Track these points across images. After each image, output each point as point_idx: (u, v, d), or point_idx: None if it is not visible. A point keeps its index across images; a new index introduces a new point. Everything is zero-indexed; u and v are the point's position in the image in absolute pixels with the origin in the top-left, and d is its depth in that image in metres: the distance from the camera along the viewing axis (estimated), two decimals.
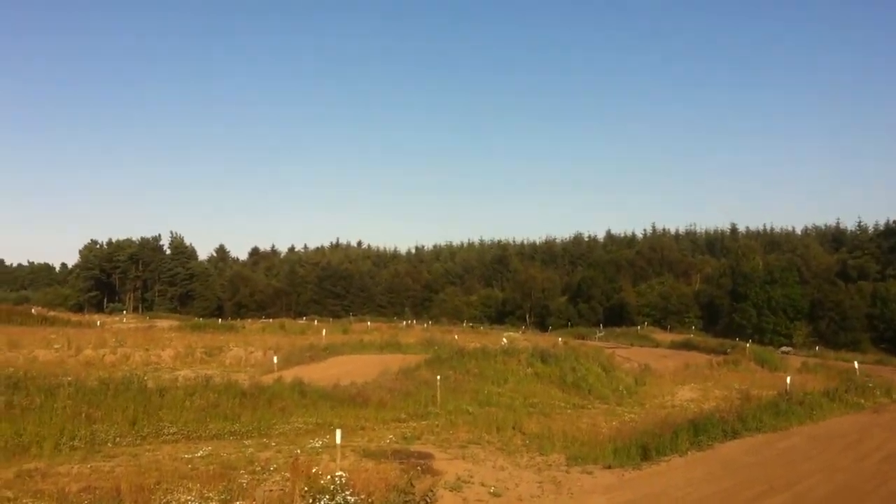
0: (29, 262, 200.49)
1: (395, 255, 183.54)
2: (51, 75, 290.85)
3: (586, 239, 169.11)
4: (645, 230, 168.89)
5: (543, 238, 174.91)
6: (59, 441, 17.31)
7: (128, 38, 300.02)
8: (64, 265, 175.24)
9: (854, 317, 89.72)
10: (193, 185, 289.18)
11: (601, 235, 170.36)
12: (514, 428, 22.12)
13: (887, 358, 64.76)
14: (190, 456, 16.42)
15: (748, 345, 61.10)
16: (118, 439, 18.17)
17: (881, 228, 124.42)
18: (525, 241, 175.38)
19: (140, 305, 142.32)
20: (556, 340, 60.82)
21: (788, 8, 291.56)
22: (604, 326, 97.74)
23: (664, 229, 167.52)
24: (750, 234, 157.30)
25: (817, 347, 75.85)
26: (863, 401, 27.41)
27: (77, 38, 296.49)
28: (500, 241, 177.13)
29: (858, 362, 42.45)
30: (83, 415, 19.39)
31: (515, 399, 28.76)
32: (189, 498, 12.46)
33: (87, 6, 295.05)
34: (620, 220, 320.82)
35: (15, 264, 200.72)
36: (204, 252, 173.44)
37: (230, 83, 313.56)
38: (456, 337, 61.69)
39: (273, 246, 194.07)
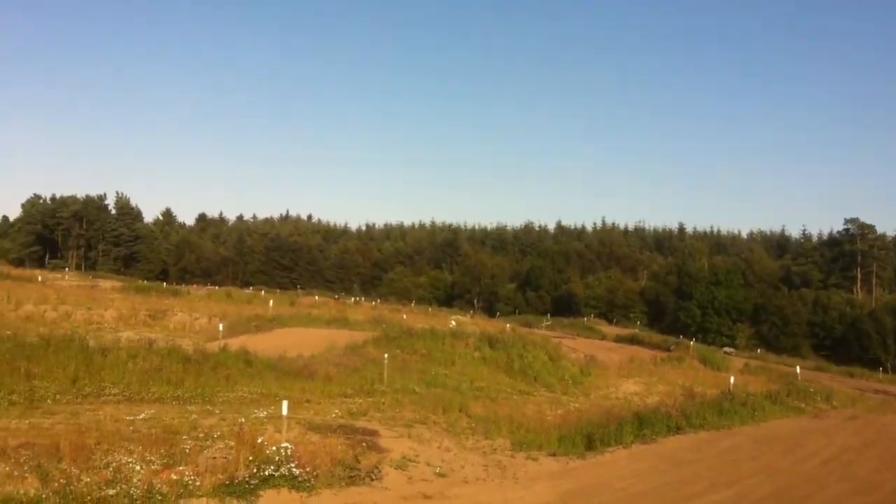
0: None
1: (344, 231, 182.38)
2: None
3: (537, 228, 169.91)
4: (595, 223, 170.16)
5: (494, 224, 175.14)
6: None
7: None
8: (5, 218, 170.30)
9: (795, 322, 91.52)
10: (143, 145, 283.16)
11: (552, 226, 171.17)
12: (460, 410, 22.06)
13: (827, 365, 66.35)
14: (132, 418, 16.10)
15: (692, 343, 61.99)
16: (58, 396, 17.78)
17: (825, 238, 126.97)
18: (476, 227, 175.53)
19: (83, 264, 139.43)
20: (503, 326, 61.04)
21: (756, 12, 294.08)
22: (551, 316, 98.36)
23: (614, 224, 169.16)
24: (697, 235, 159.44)
25: (759, 350, 77.27)
26: (803, 405, 27.93)
27: None
28: (451, 225, 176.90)
29: (800, 367, 43.28)
30: (22, 370, 18.92)
31: (462, 382, 28.69)
32: (130, 460, 12.17)
33: None
34: (571, 212, 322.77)
35: None
36: (150, 215, 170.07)
37: (188, 46, 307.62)
38: (404, 316, 61.57)
39: (221, 213, 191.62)
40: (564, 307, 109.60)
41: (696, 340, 71.46)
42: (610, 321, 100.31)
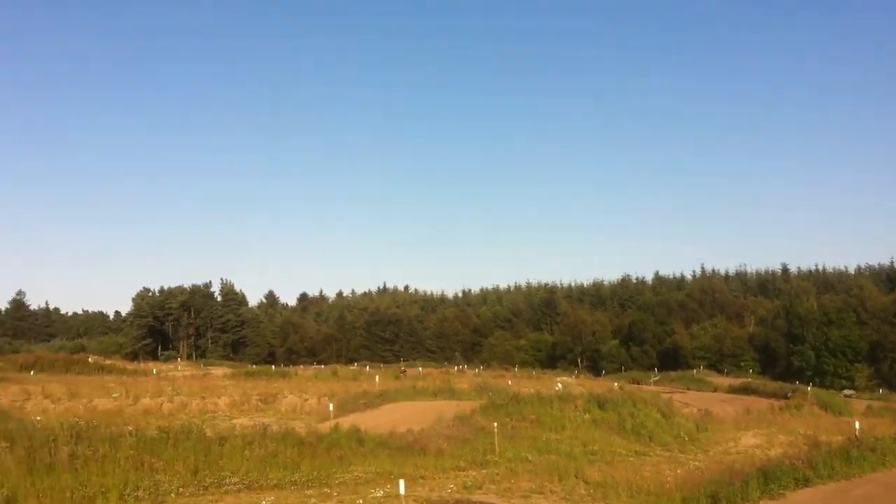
0: (83, 310, 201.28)
1: (442, 299, 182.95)
2: (96, 119, 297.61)
3: (634, 281, 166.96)
4: (694, 272, 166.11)
5: (591, 281, 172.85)
6: (122, 492, 17.32)
7: (187, 72, 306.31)
8: (118, 313, 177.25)
9: None
10: (242, 231, 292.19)
11: (649, 277, 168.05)
12: (576, 476, 21.70)
13: None
14: None
15: (809, 388, 59.65)
16: (181, 489, 18.15)
17: None
18: (572, 284, 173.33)
19: (193, 353, 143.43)
20: (611, 385, 59.97)
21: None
22: (658, 370, 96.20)
23: (713, 270, 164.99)
24: (802, 275, 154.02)
25: (881, 390, 73.79)
26: None
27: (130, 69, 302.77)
28: (546, 284, 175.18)
29: None
30: (145, 465, 19.35)
31: (575, 446, 28.21)
32: None
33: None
34: (667, 262, 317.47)
35: (70, 312, 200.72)
36: (254, 298, 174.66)
37: (273, 129, 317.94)
38: (509, 382, 61.19)
39: (321, 291, 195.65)
40: (671, 360, 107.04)
41: (813, 385, 68.90)
42: (720, 371, 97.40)
